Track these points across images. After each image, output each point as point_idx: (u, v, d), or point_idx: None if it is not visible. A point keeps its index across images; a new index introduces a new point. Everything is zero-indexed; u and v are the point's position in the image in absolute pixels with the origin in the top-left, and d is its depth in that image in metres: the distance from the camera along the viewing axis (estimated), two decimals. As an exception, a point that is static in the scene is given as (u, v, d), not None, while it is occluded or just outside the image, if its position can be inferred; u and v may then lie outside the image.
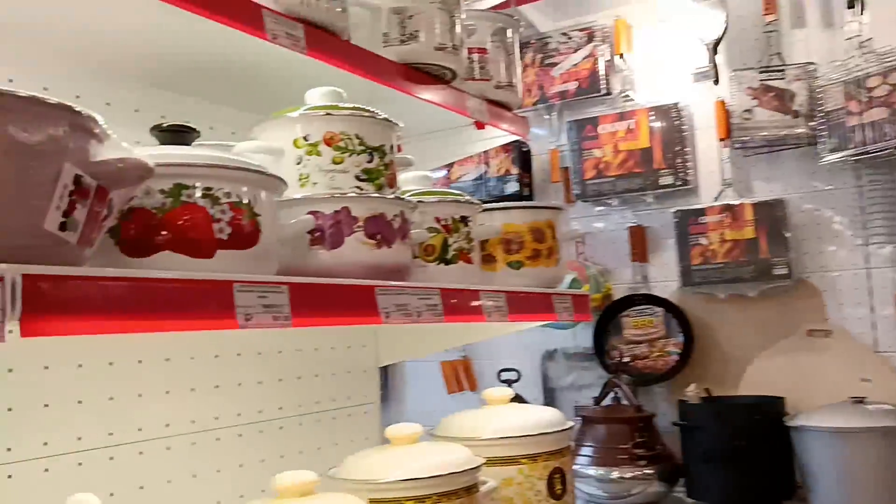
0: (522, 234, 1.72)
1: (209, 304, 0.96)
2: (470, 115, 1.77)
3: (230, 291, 0.98)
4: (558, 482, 1.64)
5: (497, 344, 3.42)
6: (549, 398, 3.42)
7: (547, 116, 3.39)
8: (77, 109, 0.83)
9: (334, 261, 1.23)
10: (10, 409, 1.28)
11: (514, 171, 3.38)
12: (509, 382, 3.36)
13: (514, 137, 1.95)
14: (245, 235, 1.05)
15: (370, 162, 1.29)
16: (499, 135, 1.93)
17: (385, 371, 3.82)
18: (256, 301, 1.01)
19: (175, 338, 1.56)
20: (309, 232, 1.23)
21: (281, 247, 1.17)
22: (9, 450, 1.27)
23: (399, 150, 1.50)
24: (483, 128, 1.88)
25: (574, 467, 2.91)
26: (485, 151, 3.35)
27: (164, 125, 1.09)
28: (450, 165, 3.46)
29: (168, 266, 0.98)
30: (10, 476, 1.27)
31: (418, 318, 1.29)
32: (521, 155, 3.38)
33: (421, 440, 1.51)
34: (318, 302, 1.12)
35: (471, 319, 1.45)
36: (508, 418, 1.67)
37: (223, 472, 1.62)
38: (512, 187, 3.37)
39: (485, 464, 1.57)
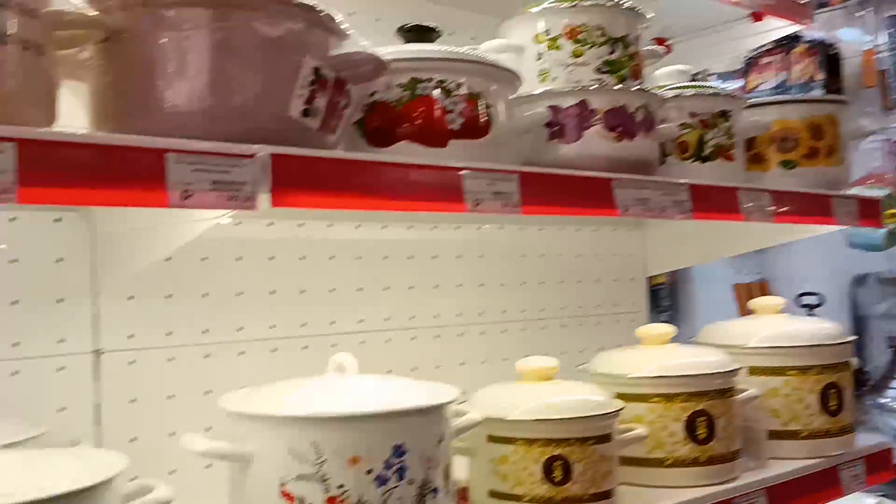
0: (798, 131, 1.57)
1: (439, 189, 1.03)
2: (741, 4, 1.64)
3: (459, 177, 1.04)
4: (833, 398, 1.52)
5: (798, 267, 3.18)
6: (859, 326, 3.10)
7: (860, 13, 2.99)
8: (316, 8, 0.93)
9: (573, 154, 1.25)
10: (302, 292, 1.50)
11: (820, 76, 3.05)
12: (810, 307, 3.12)
13: (796, 28, 1.76)
14: (477, 126, 1.10)
15: (612, 53, 1.27)
16: (778, 26, 1.76)
17: (674, 293, 3.74)
18: (486, 188, 1.07)
19: (441, 238, 1.69)
20: (547, 126, 1.25)
21: (518, 141, 1.21)
22: (287, 325, 1.49)
23: (668, 50, 1.45)
24: (760, 19, 1.73)
25: (883, 401, 2.65)
26: (786, 55, 3.07)
27: (407, 26, 1.17)
28: (745, 73, 3.22)
29: (406, 155, 1.07)
30: (305, 347, 1.49)
31: (661, 213, 1.25)
32: (827, 59, 3.03)
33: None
34: (549, 192, 1.14)
35: (725, 218, 1.38)
36: (777, 327, 1.57)
37: (487, 362, 1.73)
38: (817, 95, 3.05)
39: (747, 372, 1.51)
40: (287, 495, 0.92)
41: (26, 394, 1.18)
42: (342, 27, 0.97)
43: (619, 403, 1.26)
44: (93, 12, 0.84)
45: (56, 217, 1.23)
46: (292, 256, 1.49)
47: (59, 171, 0.74)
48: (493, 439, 1.18)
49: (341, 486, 0.92)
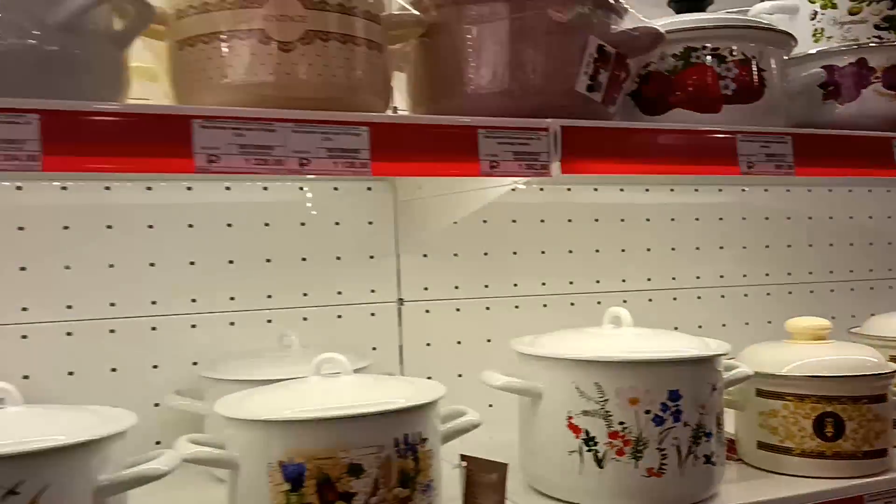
0: None
1: (713, 153, 1.10)
2: None
3: (733, 141, 1.10)
4: None
5: None
6: None
7: None
8: (600, -9, 1.03)
9: (849, 114, 1.24)
10: (570, 252, 1.62)
11: None
12: None
13: None
14: (750, 90, 1.14)
15: (893, 9, 1.24)
16: None
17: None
18: (759, 150, 1.11)
19: (703, 200, 1.73)
20: (821, 86, 1.25)
21: (791, 102, 1.23)
22: (555, 283, 1.62)
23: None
24: None
25: None
26: None
27: (679, -3, 1.23)
28: None
29: (679, 122, 1.14)
30: (572, 304, 1.62)
31: (948, 171, 1.21)
32: None
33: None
34: (824, 153, 1.15)
35: None
36: None
37: (750, 325, 1.75)
38: None
39: None
40: (573, 427, 1.05)
41: (348, 334, 1.41)
42: (623, 5, 1.05)
43: (893, 366, 1.24)
44: (415, 13, 1.00)
45: (368, 186, 1.45)
46: (560, 219, 1.61)
47: (398, 148, 0.91)
48: (763, 394, 1.22)
49: (622, 423, 1.03)
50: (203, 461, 0.90)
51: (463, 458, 0.97)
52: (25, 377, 1.22)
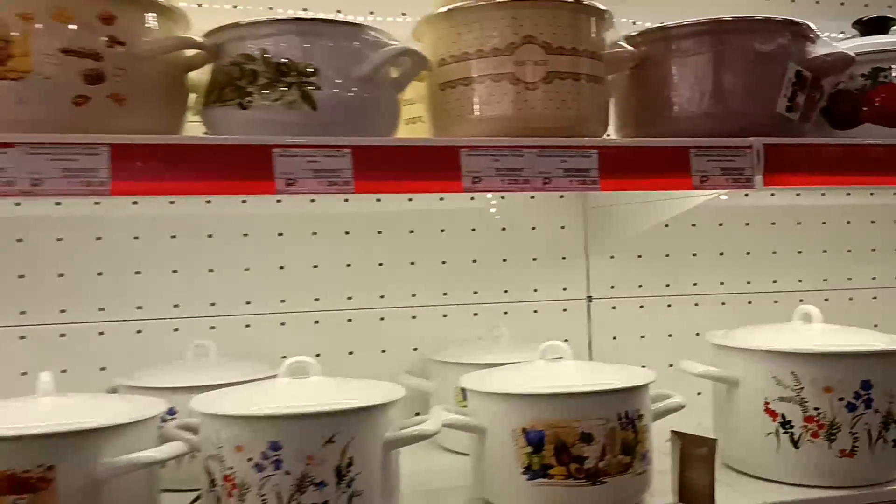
0: None
1: (900, 164, 1.19)
2: None
3: (920, 153, 1.19)
4: None
5: None
6: None
7: None
8: (797, 21, 1.15)
9: None
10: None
11: None
12: None
13: None
14: (937, 105, 1.22)
15: None
16: None
17: None
18: (948, 160, 1.19)
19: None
20: None
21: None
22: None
23: None
24: None
25: None
26: None
27: (864, 18, 1.32)
28: None
29: (869, 136, 1.24)
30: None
31: None
32: None
33: None
34: None
35: None
36: None
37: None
38: None
39: None
40: (770, 412, 1.17)
41: (542, 327, 1.58)
42: (817, 33, 1.17)
43: None
44: (630, 48, 1.15)
45: (560, 195, 1.61)
46: (738, 223, 1.72)
47: (621, 167, 1.07)
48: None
49: (817, 409, 1.14)
50: (457, 426, 1.09)
51: (674, 433, 1.12)
52: (283, 357, 1.46)
